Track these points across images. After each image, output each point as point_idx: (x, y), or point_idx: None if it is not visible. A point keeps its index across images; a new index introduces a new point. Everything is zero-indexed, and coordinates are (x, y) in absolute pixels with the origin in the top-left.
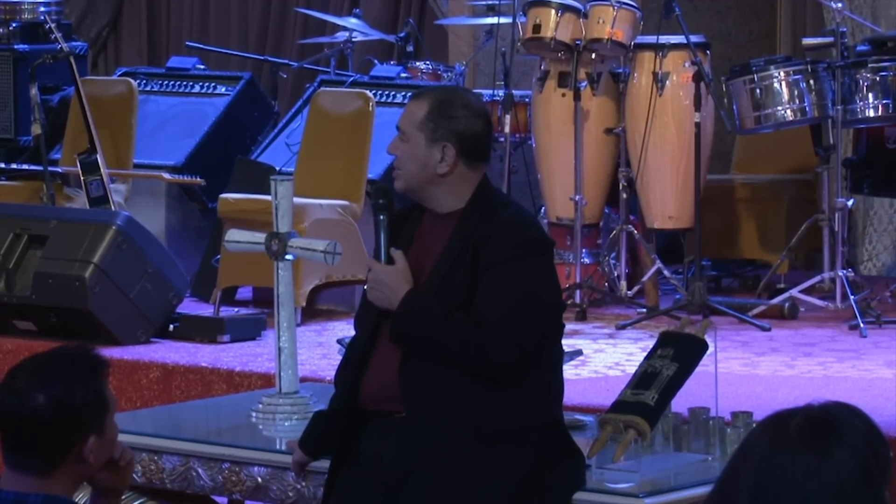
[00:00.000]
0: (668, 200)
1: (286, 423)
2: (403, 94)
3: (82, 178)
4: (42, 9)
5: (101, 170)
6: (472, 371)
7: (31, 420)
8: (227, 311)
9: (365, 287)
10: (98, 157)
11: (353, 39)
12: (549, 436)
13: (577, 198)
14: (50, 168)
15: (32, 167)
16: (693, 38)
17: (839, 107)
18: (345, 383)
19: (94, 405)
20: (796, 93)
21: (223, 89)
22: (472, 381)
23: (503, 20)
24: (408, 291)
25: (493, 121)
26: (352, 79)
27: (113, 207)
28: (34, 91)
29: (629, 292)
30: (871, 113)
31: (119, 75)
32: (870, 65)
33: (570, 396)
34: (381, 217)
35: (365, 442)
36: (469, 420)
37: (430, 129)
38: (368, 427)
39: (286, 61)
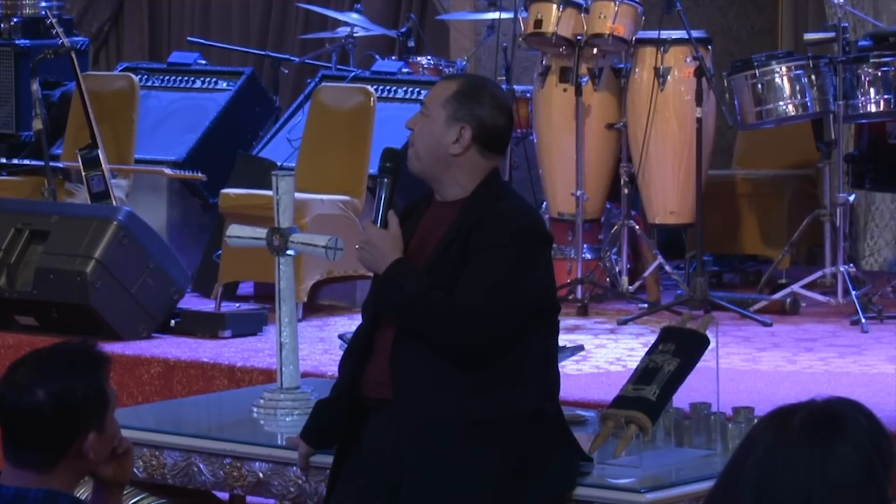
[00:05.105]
0: (669, 196)
1: (287, 419)
2: (405, 89)
3: (84, 173)
4: (43, 4)
5: (103, 165)
6: (442, 350)
7: (30, 415)
8: (228, 307)
9: (356, 246)
10: (99, 152)
11: (355, 35)
12: (539, 425)
13: (579, 193)
14: (51, 163)
15: (34, 162)
16: (694, 34)
17: (841, 102)
18: (348, 370)
19: (95, 401)
20: (798, 88)
21: (224, 84)
22: (459, 370)
23: (504, 15)
24: (396, 259)
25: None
26: (353, 74)
27: (114, 203)
28: (35, 86)
29: (630, 287)
30: (873, 108)
31: (120, 70)
32: (871, 60)
33: (572, 391)
34: (385, 180)
35: (366, 436)
36: (455, 408)
37: (453, 108)
38: (370, 421)
39: (287, 56)
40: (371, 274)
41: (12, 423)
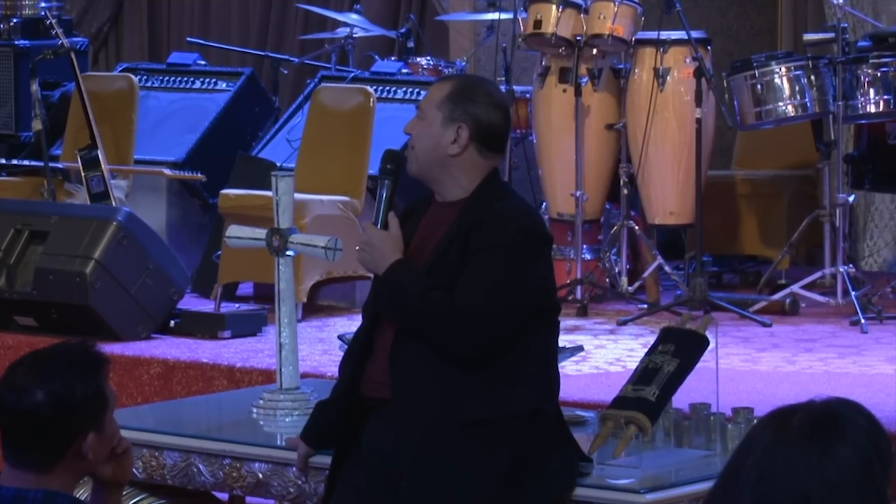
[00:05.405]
0: (669, 196)
1: (287, 419)
2: (404, 89)
3: (83, 173)
4: (43, 4)
5: (102, 166)
6: (441, 349)
7: (30, 416)
8: (227, 307)
9: (356, 248)
10: (99, 152)
11: (354, 35)
12: (538, 425)
13: (578, 193)
14: (51, 164)
15: (33, 163)
16: (694, 34)
17: (840, 102)
18: (348, 371)
19: (94, 402)
20: (797, 88)
21: (224, 85)
22: (459, 370)
23: (504, 16)
24: (396, 260)
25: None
26: (353, 74)
27: (114, 203)
28: (35, 87)
29: (630, 288)
30: (872, 108)
31: (120, 71)
32: (871, 60)
33: (571, 392)
34: (386, 181)
35: (366, 436)
36: (455, 408)
37: (449, 108)
38: (369, 422)
39: (287, 57)
40: (371, 275)
41: (11, 424)
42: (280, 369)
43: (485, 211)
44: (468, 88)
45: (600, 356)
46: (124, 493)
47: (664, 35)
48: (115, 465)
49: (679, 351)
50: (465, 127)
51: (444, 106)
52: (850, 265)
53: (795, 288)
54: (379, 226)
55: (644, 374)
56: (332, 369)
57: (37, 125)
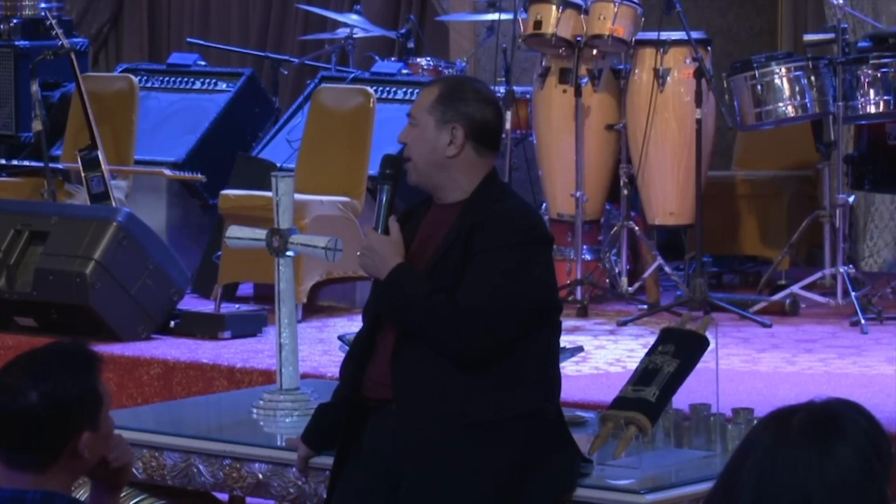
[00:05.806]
0: (669, 197)
1: (287, 420)
2: (404, 90)
3: (83, 174)
4: (43, 5)
5: (102, 166)
6: (445, 352)
7: (24, 417)
8: (227, 308)
9: (357, 253)
10: (99, 153)
11: (354, 36)
12: (539, 426)
13: (578, 194)
14: (51, 164)
15: (33, 163)
16: (694, 35)
17: (840, 103)
18: (349, 373)
19: (88, 401)
20: (797, 89)
21: (224, 86)
22: (460, 371)
23: (504, 16)
24: (398, 264)
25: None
26: (353, 75)
27: (114, 204)
28: (35, 87)
29: (630, 289)
30: (872, 109)
31: (120, 72)
32: (871, 61)
33: (571, 393)
34: (385, 187)
35: (366, 436)
36: (456, 409)
37: (440, 111)
38: (370, 422)
39: (287, 57)
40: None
41: (6, 426)
42: (280, 370)
43: (485, 212)
44: (456, 88)
45: (600, 357)
46: (124, 493)
47: (664, 36)
48: (112, 474)
49: (679, 351)
50: (459, 127)
51: (435, 109)
52: (850, 266)
53: (795, 288)
54: (379, 230)
55: (644, 374)
56: (333, 370)
57: (37, 126)
